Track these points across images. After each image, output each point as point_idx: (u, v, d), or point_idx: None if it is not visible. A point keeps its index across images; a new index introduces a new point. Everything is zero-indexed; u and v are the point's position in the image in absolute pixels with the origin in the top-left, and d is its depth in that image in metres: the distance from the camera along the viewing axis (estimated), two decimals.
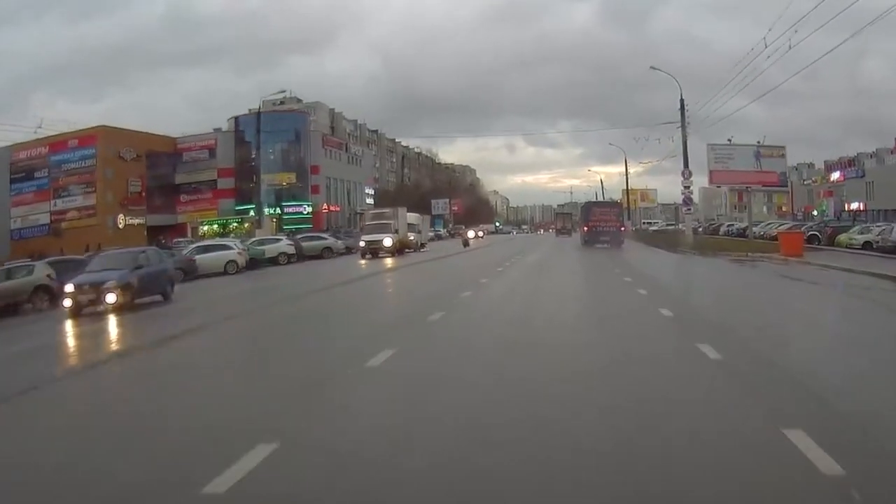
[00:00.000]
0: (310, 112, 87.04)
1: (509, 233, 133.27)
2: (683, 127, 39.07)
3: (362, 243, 38.38)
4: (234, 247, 31.97)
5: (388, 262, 34.11)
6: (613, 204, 61.23)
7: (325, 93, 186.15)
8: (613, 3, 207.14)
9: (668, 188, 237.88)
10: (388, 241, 37.85)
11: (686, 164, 39.09)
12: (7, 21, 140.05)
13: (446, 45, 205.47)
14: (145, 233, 64.72)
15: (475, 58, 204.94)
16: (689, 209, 41.05)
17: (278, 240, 39.42)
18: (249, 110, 69.58)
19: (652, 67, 41.12)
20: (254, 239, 40.27)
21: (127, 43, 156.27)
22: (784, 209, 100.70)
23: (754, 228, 46.45)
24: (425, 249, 48.23)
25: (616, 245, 42.90)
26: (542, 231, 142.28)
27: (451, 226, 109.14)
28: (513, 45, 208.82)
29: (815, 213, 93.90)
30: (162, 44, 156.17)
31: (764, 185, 51.06)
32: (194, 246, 32.56)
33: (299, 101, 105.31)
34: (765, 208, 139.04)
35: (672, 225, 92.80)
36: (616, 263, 27.20)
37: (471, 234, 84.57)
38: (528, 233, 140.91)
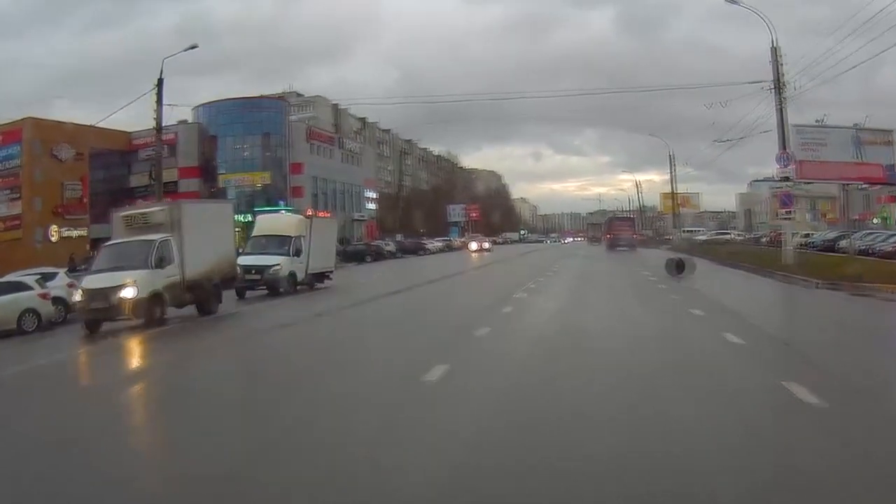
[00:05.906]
0: (287, 99, 74.64)
1: (540, 241, 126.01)
2: (777, 89, 25.58)
3: (78, 296, 16.81)
4: (37, 286, 18.52)
5: (137, 344, 14.55)
6: (628, 218, 79.73)
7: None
8: (629, 13, 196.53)
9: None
10: (129, 292, 16.19)
11: (784, 144, 25.81)
12: (21, 32, 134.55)
13: (467, 54, 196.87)
14: (87, 246, 53.16)
15: (497, 66, 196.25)
16: (791, 211, 27.48)
17: None
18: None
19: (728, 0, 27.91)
20: None
21: (142, 53, 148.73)
22: (829, 217, 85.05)
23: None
24: (325, 284, 27.22)
25: (631, 249, 59.26)
26: (569, 240, 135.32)
27: (467, 234, 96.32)
28: (532, 55, 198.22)
29: (875, 221, 79.45)
30: (176, 53, 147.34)
31: (866, 182, 37.69)
32: None
33: (300, 95, 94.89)
34: (808, 216, 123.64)
35: (724, 234, 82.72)
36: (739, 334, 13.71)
37: (473, 245, 71.43)
38: (556, 241, 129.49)
